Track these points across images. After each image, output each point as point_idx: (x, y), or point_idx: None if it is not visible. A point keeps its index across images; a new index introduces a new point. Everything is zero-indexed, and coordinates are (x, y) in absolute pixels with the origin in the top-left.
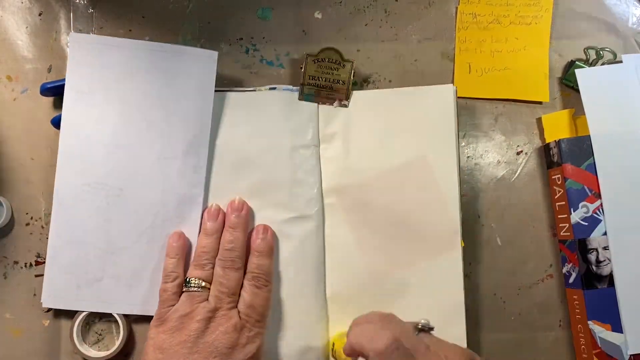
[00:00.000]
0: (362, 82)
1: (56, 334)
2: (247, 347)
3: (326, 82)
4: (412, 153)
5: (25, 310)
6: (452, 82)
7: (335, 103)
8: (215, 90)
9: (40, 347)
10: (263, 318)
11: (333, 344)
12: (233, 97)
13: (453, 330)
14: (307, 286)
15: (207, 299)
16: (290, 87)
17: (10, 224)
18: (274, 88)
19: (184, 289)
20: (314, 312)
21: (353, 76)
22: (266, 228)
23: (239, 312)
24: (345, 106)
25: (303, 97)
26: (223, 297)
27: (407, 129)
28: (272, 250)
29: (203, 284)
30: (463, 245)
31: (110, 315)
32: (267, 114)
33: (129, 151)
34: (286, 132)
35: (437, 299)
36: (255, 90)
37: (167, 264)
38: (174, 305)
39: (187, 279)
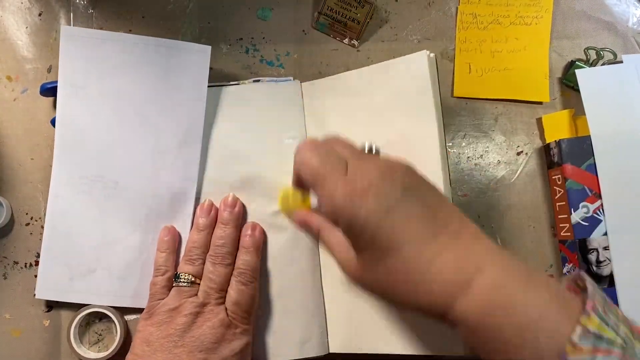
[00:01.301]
0: None
1: (56, 334)
2: (233, 343)
3: (342, 17)
4: (393, 131)
5: (25, 310)
6: (452, 82)
7: (346, 40)
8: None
9: (40, 347)
10: (249, 315)
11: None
12: (218, 92)
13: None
14: (302, 276)
15: (196, 294)
16: (275, 78)
17: (10, 224)
18: (258, 80)
19: (173, 284)
20: (311, 302)
21: (370, 19)
22: (255, 225)
23: (226, 308)
24: (354, 46)
25: (317, 25)
26: (212, 292)
27: (387, 105)
28: (259, 247)
29: (192, 279)
30: None
31: (108, 316)
32: (252, 107)
33: (124, 145)
34: (272, 124)
35: None
36: (239, 84)
37: (157, 257)
38: (163, 299)
39: (177, 274)
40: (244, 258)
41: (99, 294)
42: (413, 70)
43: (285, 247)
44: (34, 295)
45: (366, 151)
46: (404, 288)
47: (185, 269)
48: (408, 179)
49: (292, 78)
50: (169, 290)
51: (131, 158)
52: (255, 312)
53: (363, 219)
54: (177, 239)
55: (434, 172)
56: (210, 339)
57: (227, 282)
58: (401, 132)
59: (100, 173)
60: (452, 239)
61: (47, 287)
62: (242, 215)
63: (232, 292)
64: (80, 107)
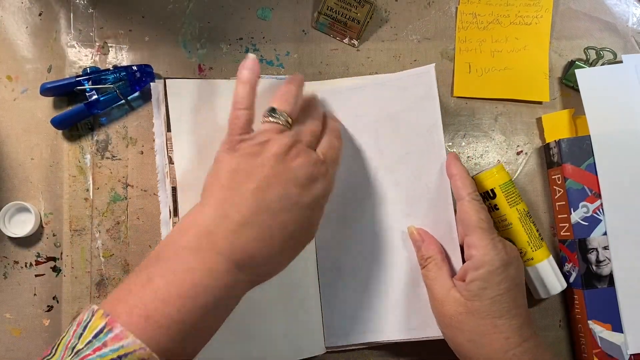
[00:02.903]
0: None
1: (56, 334)
2: (324, 184)
3: (342, 17)
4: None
5: (25, 310)
6: (452, 82)
7: (346, 40)
8: (199, 78)
9: (40, 347)
10: (335, 163)
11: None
12: (217, 86)
13: None
14: (301, 276)
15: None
16: (273, 76)
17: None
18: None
19: (266, 119)
20: (309, 302)
21: (370, 18)
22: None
23: (319, 153)
24: (354, 46)
25: (317, 25)
26: (305, 133)
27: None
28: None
29: (287, 117)
30: None
31: None
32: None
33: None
34: None
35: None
36: None
37: (238, 90)
38: (247, 133)
39: (272, 108)
40: (334, 122)
41: (381, 330)
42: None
43: None
44: (34, 294)
45: None
46: (496, 347)
47: (283, 107)
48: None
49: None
50: (250, 128)
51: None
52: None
53: (503, 279)
54: (257, 74)
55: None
56: (304, 174)
57: (319, 134)
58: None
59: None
60: (534, 333)
61: (333, 333)
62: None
63: (324, 142)
64: None
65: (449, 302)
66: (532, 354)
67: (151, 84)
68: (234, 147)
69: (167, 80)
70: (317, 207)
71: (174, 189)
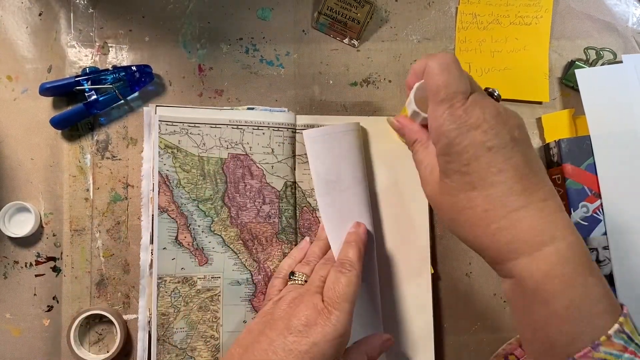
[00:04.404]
0: (362, 82)
1: (56, 334)
2: (325, 329)
3: (342, 17)
4: (385, 179)
5: (25, 310)
6: None
7: (346, 40)
8: (189, 107)
9: (40, 347)
10: (345, 303)
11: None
12: (203, 114)
13: (420, 355)
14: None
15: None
16: (269, 108)
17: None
18: (252, 108)
19: (289, 282)
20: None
21: (370, 18)
22: (359, 224)
23: (322, 296)
24: (354, 46)
25: (317, 25)
26: (315, 281)
27: (379, 156)
28: (361, 242)
29: (306, 277)
30: (432, 272)
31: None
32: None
33: None
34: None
35: (407, 326)
36: (232, 109)
37: (283, 263)
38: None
39: (292, 272)
40: (344, 250)
41: None
42: None
43: None
44: (34, 294)
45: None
46: (476, 222)
47: (301, 269)
48: (519, 132)
49: (286, 109)
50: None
51: None
52: (353, 305)
53: (465, 147)
54: (305, 252)
55: (420, 218)
56: (300, 322)
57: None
58: (393, 181)
59: None
60: (539, 201)
61: None
62: (366, 237)
63: (328, 279)
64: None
65: (430, 183)
66: (524, 223)
67: (144, 108)
68: (264, 310)
69: (157, 108)
70: (318, 354)
71: (153, 217)
